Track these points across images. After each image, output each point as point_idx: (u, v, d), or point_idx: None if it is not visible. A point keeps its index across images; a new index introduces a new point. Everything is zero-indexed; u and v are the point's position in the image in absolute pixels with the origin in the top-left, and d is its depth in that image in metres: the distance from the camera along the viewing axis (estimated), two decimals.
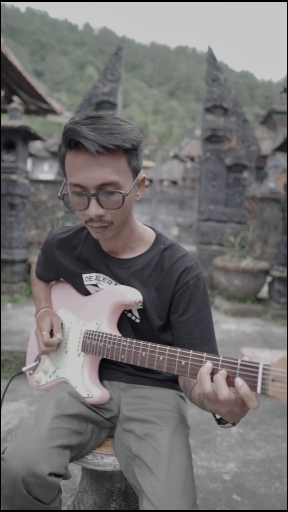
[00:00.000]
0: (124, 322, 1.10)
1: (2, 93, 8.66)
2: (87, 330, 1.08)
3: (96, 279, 1.11)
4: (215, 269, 5.47)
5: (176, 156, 14.30)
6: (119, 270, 1.07)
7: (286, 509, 1.66)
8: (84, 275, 1.13)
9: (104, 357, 1.02)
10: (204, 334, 1.02)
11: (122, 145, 0.87)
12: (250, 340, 3.87)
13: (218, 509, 1.64)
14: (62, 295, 1.24)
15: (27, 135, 5.17)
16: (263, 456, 2.05)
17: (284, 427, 2.38)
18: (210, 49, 6.85)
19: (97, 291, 1.12)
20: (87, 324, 1.10)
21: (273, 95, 11.34)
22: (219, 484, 1.79)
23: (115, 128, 0.88)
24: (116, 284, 1.09)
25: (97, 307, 1.09)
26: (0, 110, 8.98)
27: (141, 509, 0.86)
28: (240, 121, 6.83)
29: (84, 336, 1.09)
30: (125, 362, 0.96)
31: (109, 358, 1.01)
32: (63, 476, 0.91)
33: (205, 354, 0.79)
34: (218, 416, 0.85)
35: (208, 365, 0.76)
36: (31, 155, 14.44)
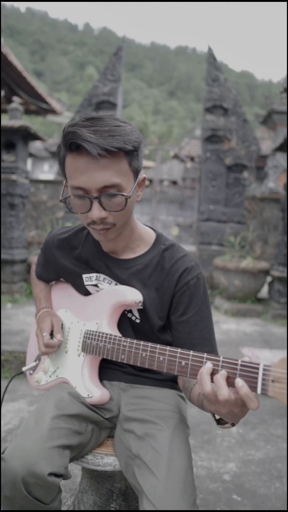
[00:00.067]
0: (124, 322, 1.10)
1: (2, 93, 8.66)
2: (87, 330, 1.08)
3: (96, 279, 1.11)
4: (215, 269, 5.47)
5: (176, 156, 14.31)
6: (119, 270, 1.07)
7: (286, 509, 1.66)
8: (84, 275, 1.13)
9: (104, 357, 1.02)
10: (204, 334, 1.02)
11: (123, 147, 0.87)
12: (250, 340, 3.87)
13: (218, 509, 1.64)
14: (62, 295, 1.24)
15: (27, 135, 5.17)
16: (263, 456, 2.05)
17: (284, 427, 2.38)
18: (210, 49, 6.85)
19: (97, 291, 1.12)
20: (87, 324, 1.10)
21: (273, 95, 11.34)
22: (219, 484, 1.79)
23: (116, 130, 0.88)
24: (116, 284, 1.09)
25: (97, 307, 1.09)
26: (0, 110, 8.99)
27: (141, 509, 0.86)
28: (240, 121, 6.83)
29: (84, 336, 1.09)
30: (125, 362, 0.96)
31: (109, 358, 1.01)
32: (63, 476, 0.91)
33: (205, 355, 0.79)
34: (217, 417, 0.85)
35: (208, 366, 0.76)
36: (31, 155, 14.44)
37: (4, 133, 4.94)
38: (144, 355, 0.91)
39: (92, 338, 1.05)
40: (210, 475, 1.86)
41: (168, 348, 0.86)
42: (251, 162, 6.66)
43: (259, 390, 0.68)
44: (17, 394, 2.58)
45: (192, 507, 0.85)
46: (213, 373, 0.75)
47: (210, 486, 1.78)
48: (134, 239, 1.07)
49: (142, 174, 1.00)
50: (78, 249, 1.13)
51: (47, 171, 17.08)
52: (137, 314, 1.08)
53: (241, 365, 0.71)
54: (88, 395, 1.05)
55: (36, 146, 15.73)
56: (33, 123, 21.52)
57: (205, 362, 0.78)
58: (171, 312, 1.05)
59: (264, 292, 5.64)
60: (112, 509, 1.17)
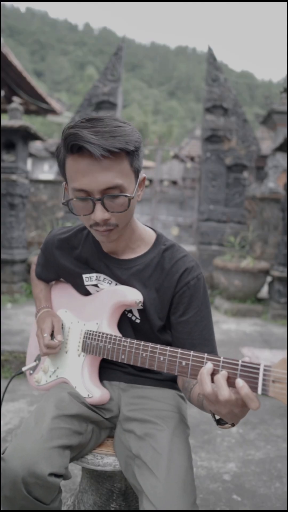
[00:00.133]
0: (124, 323, 1.10)
1: (2, 93, 8.66)
2: (87, 330, 1.08)
3: (96, 279, 1.11)
4: (215, 269, 5.47)
5: (176, 156, 14.31)
6: (119, 271, 1.07)
7: (286, 509, 1.66)
8: (84, 275, 1.13)
9: (105, 357, 1.02)
10: (204, 334, 1.02)
11: (125, 147, 0.87)
12: (250, 340, 3.87)
13: (218, 509, 1.64)
14: (62, 295, 1.24)
15: (27, 135, 5.17)
16: (263, 456, 2.05)
17: (284, 427, 2.38)
18: (210, 49, 6.85)
19: (97, 291, 1.12)
20: (87, 324, 1.10)
21: (273, 95, 11.34)
22: (219, 484, 1.79)
23: (117, 131, 0.87)
24: (116, 284, 1.09)
25: (98, 307, 1.09)
26: (0, 110, 8.99)
27: (141, 509, 0.86)
28: (240, 121, 6.83)
29: (84, 336, 1.09)
30: (125, 362, 0.96)
31: (109, 359, 1.01)
32: (63, 476, 0.91)
33: (206, 355, 0.79)
34: (217, 417, 0.85)
35: (209, 366, 0.76)
36: (31, 155, 14.44)
37: (4, 133, 4.94)
38: (144, 355, 0.91)
39: (92, 338, 1.05)
40: (210, 475, 1.86)
41: (168, 348, 0.86)
42: (251, 162, 6.66)
43: (259, 391, 0.68)
44: (17, 394, 2.58)
45: (192, 507, 0.85)
46: (213, 374, 0.75)
47: (210, 486, 1.78)
48: (134, 239, 1.07)
49: (142, 174, 1.00)
50: (78, 249, 1.13)
51: (47, 171, 17.07)
52: (137, 314, 1.08)
53: (242, 366, 0.71)
54: (88, 395, 1.05)
55: (36, 146, 15.72)
56: (33, 123, 21.53)
57: (206, 362, 0.78)
58: (171, 312, 1.05)
59: (264, 292, 5.64)
60: (112, 509, 1.17)
